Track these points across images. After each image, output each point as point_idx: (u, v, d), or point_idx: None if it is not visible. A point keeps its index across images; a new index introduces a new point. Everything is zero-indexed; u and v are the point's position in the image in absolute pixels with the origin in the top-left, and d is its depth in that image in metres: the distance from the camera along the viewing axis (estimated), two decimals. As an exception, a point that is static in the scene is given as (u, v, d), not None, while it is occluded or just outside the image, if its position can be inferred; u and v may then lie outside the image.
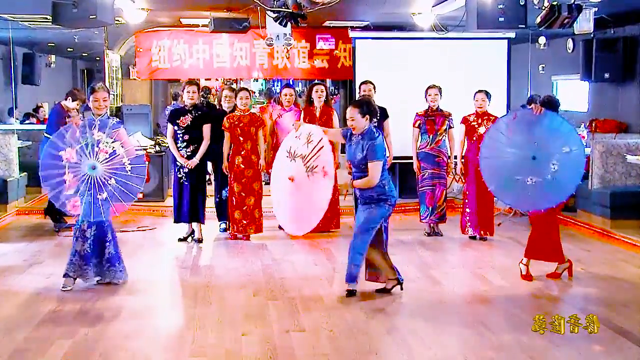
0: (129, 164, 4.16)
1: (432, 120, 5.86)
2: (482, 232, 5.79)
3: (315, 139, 3.80)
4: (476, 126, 5.74)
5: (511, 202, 4.88)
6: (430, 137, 5.84)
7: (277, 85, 12.76)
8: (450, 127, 5.88)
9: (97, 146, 4.16)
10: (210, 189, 6.34)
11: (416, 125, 5.89)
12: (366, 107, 3.99)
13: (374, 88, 5.97)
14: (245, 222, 5.76)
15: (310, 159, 3.75)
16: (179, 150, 5.61)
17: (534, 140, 4.38)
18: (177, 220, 5.74)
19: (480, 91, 5.77)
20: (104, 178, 4.18)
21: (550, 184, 4.28)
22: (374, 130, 3.95)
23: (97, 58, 10.27)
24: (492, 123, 5.55)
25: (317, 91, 5.96)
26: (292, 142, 4.07)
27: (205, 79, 11.00)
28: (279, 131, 6.19)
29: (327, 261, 5.12)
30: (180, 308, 4.13)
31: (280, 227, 6.08)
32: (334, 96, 9.90)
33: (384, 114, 5.91)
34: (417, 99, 6.08)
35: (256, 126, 5.77)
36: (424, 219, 5.96)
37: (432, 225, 6.02)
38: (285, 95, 6.17)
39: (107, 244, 4.33)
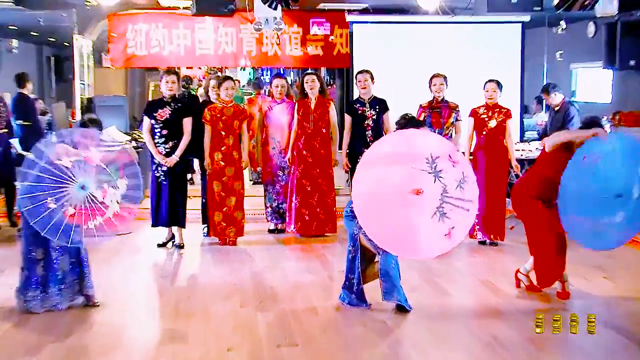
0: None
1: (437, 113, 5.89)
2: (492, 237, 5.82)
3: (468, 194, 3.65)
4: (486, 119, 5.77)
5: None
6: (436, 131, 5.88)
7: (267, 75, 12.76)
8: (457, 120, 5.90)
9: (107, 186, 3.89)
10: (193, 189, 6.36)
11: (420, 118, 5.90)
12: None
13: (372, 78, 6.01)
14: (224, 224, 5.78)
15: (450, 203, 3.59)
16: (156, 147, 5.62)
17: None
18: (155, 224, 5.76)
19: (490, 81, 5.80)
20: (81, 204, 3.86)
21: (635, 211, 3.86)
22: None
23: (66, 44, 10.20)
24: (504, 116, 5.69)
25: (307, 82, 5.98)
26: (443, 155, 3.69)
27: (187, 68, 11.00)
28: (269, 125, 6.24)
29: (322, 268, 5.13)
30: (159, 321, 4.13)
31: (270, 231, 6.21)
32: (329, 86, 9.89)
33: (383, 106, 6.01)
34: (421, 89, 6.10)
35: (240, 120, 5.77)
36: None
37: None
38: (276, 86, 6.20)
39: (82, 263, 4.14)
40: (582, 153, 4.06)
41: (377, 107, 5.98)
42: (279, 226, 6.32)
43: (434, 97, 5.94)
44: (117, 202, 3.94)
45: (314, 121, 6.03)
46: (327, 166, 5.97)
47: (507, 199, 5.68)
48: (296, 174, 6.06)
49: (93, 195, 3.90)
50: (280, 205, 6.28)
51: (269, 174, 6.31)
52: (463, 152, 5.92)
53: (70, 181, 3.88)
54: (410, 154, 3.71)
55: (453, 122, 5.91)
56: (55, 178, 3.82)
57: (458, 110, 5.94)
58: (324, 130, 6.05)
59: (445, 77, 5.92)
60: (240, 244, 5.86)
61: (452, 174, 3.70)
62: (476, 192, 3.80)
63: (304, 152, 6.06)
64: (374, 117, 5.95)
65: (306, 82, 6.00)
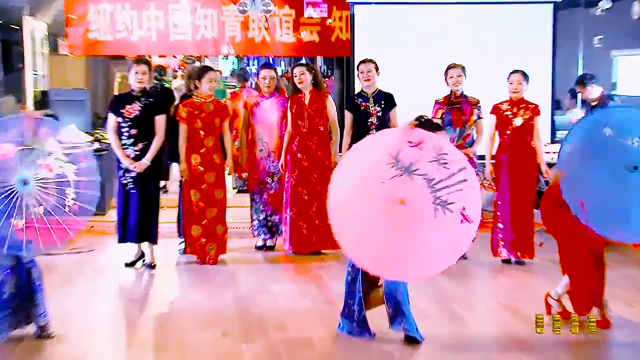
0: (76, 175, 3.91)
1: (457, 109, 5.95)
2: (518, 254, 5.86)
3: (454, 166, 3.58)
4: (510, 116, 5.82)
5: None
6: (457, 131, 5.93)
7: (253, 65, 12.84)
8: (479, 118, 5.99)
9: (44, 158, 3.91)
10: (167, 199, 6.45)
11: (437, 115, 5.97)
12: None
13: (377, 68, 6.06)
14: (203, 240, 5.82)
15: (444, 188, 3.53)
16: (124, 149, 5.65)
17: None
18: (122, 239, 5.79)
19: (515, 72, 5.84)
20: (37, 198, 3.88)
21: None
22: None
23: (15, 27, 10.12)
24: (531, 112, 5.74)
25: (296, 75, 6.05)
26: (402, 146, 3.65)
27: (160, 56, 10.94)
28: (255, 123, 6.29)
29: (318, 292, 5.15)
30: (127, 355, 4.10)
31: (258, 248, 6.31)
32: (327, 78, 9.95)
33: (390, 101, 6.05)
34: (433, 82, 6.16)
35: (221, 117, 5.84)
36: None
37: None
38: (264, 78, 6.25)
39: (34, 286, 4.11)
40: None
41: (383, 102, 6.02)
42: (268, 242, 6.37)
43: (451, 92, 5.99)
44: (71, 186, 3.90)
45: (309, 118, 6.07)
46: (325, 170, 5.88)
47: (535, 210, 5.72)
48: (290, 182, 6.09)
49: (42, 186, 3.85)
50: (269, 218, 6.32)
51: (255, 180, 6.34)
52: (483, 155, 6.12)
53: (8, 181, 3.84)
54: (373, 168, 3.65)
55: (475, 120, 5.98)
56: None
57: (479, 107, 6.00)
58: (321, 129, 6.11)
59: (463, 68, 5.98)
60: (222, 263, 5.89)
61: (424, 159, 3.62)
62: (461, 155, 3.75)
63: (299, 155, 6.09)
64: (379, 113, 6.00)
65: (295, 76, 6.07)
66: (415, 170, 3.56)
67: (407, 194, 3.53)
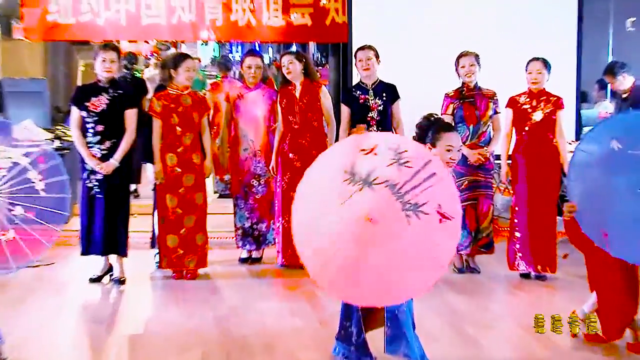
0: (40, 179, 3.95)
1: (471, 104, 5.97)
2: (539, 268, 5.86)
3: (417, 162, 3.56)
4: (529, 110, 5.83)
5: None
6: (471, 128, 5.95)
7: (237, 52, 12.78)
8: (496, 113, 6.03)
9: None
10: (139, 204, 6.45)
11: (448, 111, 6.00)
12: None
13: (378, 56, 6.06)
14: (181, 251, 5.84)
15: (411, 190, 3.51)
16: (89, 148, 5.65)
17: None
18: (87, 251, 5.77)
19: (535, 59, 5.84)
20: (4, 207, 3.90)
21: None
22: None
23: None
24: (552, 106, 5.78)
25: (284, 64, 6.07)
26: (355, 156, 3.64)
27: (130, 42, 10.96)
28: (239, 119, 6.30)
29: (311, 311, 5.15)
30: (93, 382, 4.14)
31: (242, 260, 6.34)
32: (321, 67, 9.96)
33: (392, 93, 6.07)
34: (443, 74, 6.16)
35: (201, 111, 5.86)
36: (462, 248, 6.02)
37: (466, 258, 6.11)
38: (249, 67, 6.26)
39: None
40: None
41: (384, 94, 6.04)
42: (254, 254, 6.38)
43: (463, 83, 6.01)
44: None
45: (301, 113, 6.09)
46: None
47: (558, 217, 5.73)
48: (281, 186, 6.10)
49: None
50: (255, 226, 6.33)
51: (239, 183, 6.34)
52: (498, 155, 6.15)
53: None
54: (329, 189, 3.62)
55: (491, 115, 5.99)
56: None
57: (496, 100, 6.01)
58: (314, 124, 6.13)
59: (476, 56, 5.99)
60: (202, 278, 5.90)
61: (381, 164, 3.59)
62: (423, 148, 3.76)
63: (290, 155, 6.10)
64: (380, 107, 6.01)
65: (283, 66, 6.09)
66: (374, 180, 3.54)
67: (372, 209, 3.50)
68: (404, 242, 3.48)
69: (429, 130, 3.96)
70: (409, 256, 3.50)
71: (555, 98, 5.84)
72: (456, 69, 6.00)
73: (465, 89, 5.99)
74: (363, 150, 3.60)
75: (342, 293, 3.69)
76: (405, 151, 3.56)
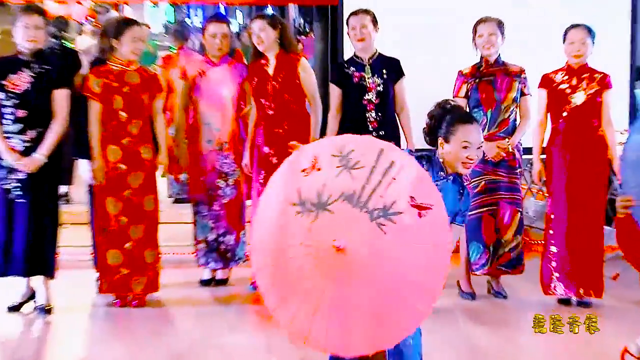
0: None
1: (489, 83, 5.97)
2: (581, 292, 5.81)
3: (368, 157, 3.59)
4: (568, 91, 5.80)
5: None
6: (489, 114, 5.93)
7: (197, 17, 13.12)
8: (523, 95, 6.03)
9: None
10: (71, 212, 6.37)
11: (461, 93, 6.01)
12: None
13: (376, 23, 6.04)
14: (126, 271, 5.79)
15: (372, 194, 3.54)
16: (6, 139, 5.60)
17: None
18: (4, 271, 5.68)
19: (575, 26, 5.81)
20: None
21: None
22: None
23: None
24: (598, 85, 5.75)
25: (254, 32, 6.09)
26: (295, 184, 3.72)
27: (58, 2, 10.84)
28: (200, 102, 6.25)
29: (290, 347, 5.07)
30: None
31: (204, 282, 6.33)
32: (303, 36, 9.96)
33: (395, 70, 6.06)
34: (457, 44, 6.23)
35: (151, 92, 5.86)
36: (477, 267, 6.06)
37: (488, 279, 6.12)
38: (213, 36, 6.23)
39: None
40: None
41: (385, 71, 6.01)
42: (219, 274, 6.35)
43: (482, 58, 6.01)
44: None
45: (276, 94, 6.06)
46: None
47: (606, 227, 5.73)
48: (257, 188, 6.10)
49: None
50: (221, 239, 6.29)
51: (201, 185, 6.30)
52: (524, 148, 6.13)
53: None
54: (282, 230, 3.61)
55: (516, 97, 5.98)
56: None
57: (524, 78, 6.02)
58: (294, 107, 6.11)
59: (499, 23, 6.00)
60: (152, 306, 5.83)
61: (329, 178, 3.59)
62: (368, 139, 3.74)
63: (265, 148, 6.10)
64: (380, 87, 5.97)
65: (253, 33, 6.08)
66: (328, 199, 3.53)
67: (337, 235, 3.45)
68: (386, 259, 3.44)
69: (443, 121, 3.93)
70: (398, 274, 3.46)
71: (601, 75, 5.78)
72: (473, 39, 6.00)
73: (483, 64, 6.00)
74: (303, 170, 3.62)
75: (323, 345, 3.63)
76: (352, 151, 3.56)
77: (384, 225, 3.42)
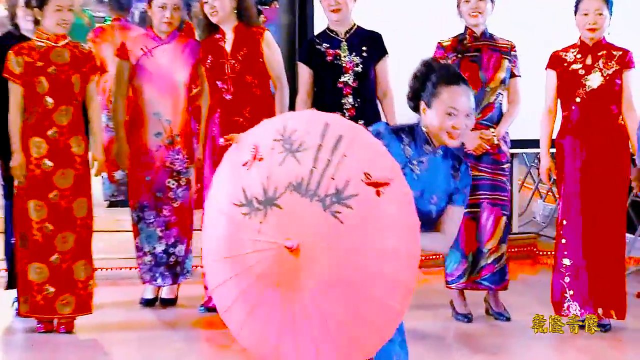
0: None
1: (473, 60, 5.85)
2: (599, 312, 5.62)
3: (312, 137, 3.54)
4: (582, 72, 5.59)
5: None
6: (472, 96, 5.72)
7: None
8: (513, 76, 5.90)
9: None
10: None
11: None
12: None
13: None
14: (51, 289, 5.54)
15: (322, 178, 3.50)
16: None
17: None
18: None
19: None
20: None
21: None
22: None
23: None
24: (617, 64, 5.58)
25: (206, 1, 5.93)
26: (237, 181, 3.73)
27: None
28: (143, 87, 6.08)
29: None
30: None
31: (146, 302, 6.15)
32: (266, 6, 9.91)
33: (376, 47, 5.94)
34: (440, 16, 6.22)
35: (84, 73, 5.65)
36: (452, 280, 5.94)
37: (485, 296, 6.01)
38: (163, 7, 6.04)
39: None
40: None
41: (364, 48, 5.86)
42: (165, 292, 6.16)
43: (466, 30, 5.87)
44: None
45: (235, 75, 5.92)
46: None
47: (628, 235, 5.92)
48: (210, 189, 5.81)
49: None
50: (171, 250, 6.11)
51: (146, 186, 6.11)
52: (529, 141, 6.30)
53: None
54: (231, 238, 3.63)
55: (505, 79, 5.83)
56: None
57: (515, 55, 5.90)
58: (256, 92, 5.97)
59: None
60: (83, 331, 5.60)
61: (272, 168, 3.59)
62: (311, 113, 3.79)
63: (221, 141, 5.77)
64: (358, 68, 5.83)
65: (205, 2, 5.90)
66: (275, 193, 3.55)
67: (289, 233, 3.46)
68: (346, 252, 3.43)
69: (427, 81, 3.85)
70: (362, 268, 3.44)
71: (621, 52, 5.56)
72: (458, 6, 5.87)
73: (468, 37, 5.85)
74: (245, 164, 3.64)
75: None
76: (294, 131, 3.57)
77: (339, 213, 3.39)
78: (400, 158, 3.76)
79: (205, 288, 5.95)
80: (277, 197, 3.45)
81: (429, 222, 3.86)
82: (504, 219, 5.89)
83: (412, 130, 3.84)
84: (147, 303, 6.06)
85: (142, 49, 6.01)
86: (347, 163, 3.37)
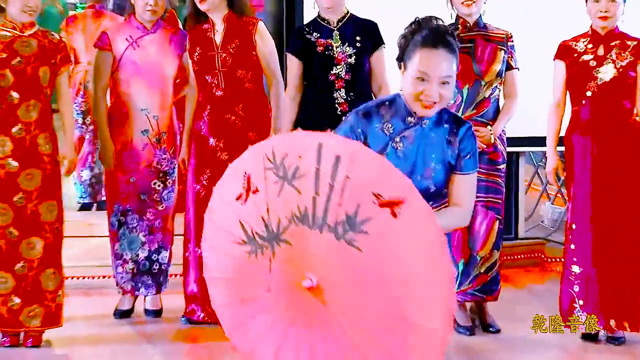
0: None
1: (466, 51, 5.74)
2: (612, 324, 5.55)
3: (308, 161, 3.49)
4: (593, 64, 5.55)
5: None
6: (465, 91, 5.79)
7: None
8: (511, 69, 5.86)
9: None
10: None
11: None
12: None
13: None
14: (17, 300, 5.48)
15: (328, 206, 3.47)
16: None
17: None
18: None
19: None
20: None
21: None
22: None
23: None
24: (632, 56, 5.53)
25: None
26: (235, 217, 3.74)
27: None
28: (131, 81, 6.00)
29: None
30: None
31: (121, 314, 6.07)
32: None
33: (371, 36, 5.90)
34: (441, 2, 5.99)
35: (55, 65, 5.57)
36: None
37: (472, 306, 5.95)
38: None
39: None
40: None
41: (359, 38, 5.80)
42: (149, 302, 6.06)
43: (458, 19, 5.83)
44: None
45: (226, 69, 5.86)
46: None
47: None
48: (195, 190, 5.95)
49: None
50: (154, 256, 6.04)
51: (131, 188, 6.05)
52: (533, 138, 6.46)
53: None
54: (237, 280, 3.71)
55: (501, 71, 5.76)
56: None
57: (511, 46, 5.85)
58: (249, 87, 5.92)
59: None
60: (53, 345, 5.52)
61: (271, 202, 3.59)
62: (298, 136, 3.78)
63: (211, 140, 5.91)
64: (351, 59, 5.77)
65: None
66: (279, 228, 3.55)
67: (304, 269, 3.46)
68: (371, 283, 3.39)
69: (410, 41, 3.84)
70: (394, 296, 3.39)
71: (636, 42, 5.48)
72: None
73: (460, 27, 5.78)
74: (239, 198, 3.61)
75: None
76: (285, 156, 3.52)
77: (354, 241, 3.32)
78: (381, 139, 3.78)
79: (187, 298, 5.93)
80: (282, 232, 3.43)
81: (434, 197, 3.86)
82: (498, 223, 5.87)
83: (392, 103, 3.83)
84: (123, 315, 6.00)
85: (127, 39, 5.94)
86: (352, 185, 3.32)
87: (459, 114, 5.63)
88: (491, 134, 5.76)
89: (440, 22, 3.90)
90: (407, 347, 3.40)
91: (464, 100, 5.78)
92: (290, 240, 3.41)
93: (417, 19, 3.84)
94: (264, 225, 3.46)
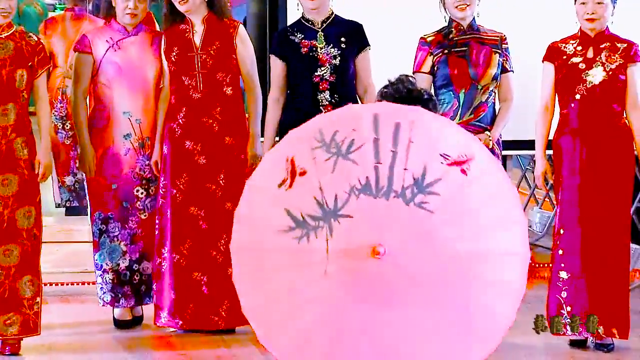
0: None
1: (461, 55, 5.79)
2: (600, 331, 5.57)
3: (361, 133, 3.51)
4: (582, 66, 5.56)
5: None
6: (462, 95, 5.77)
7: None
8: (505, 71, 5.83)
9: None
10: None
11: (424, 68, 5.86)
12: None
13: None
14: None
15: (392, 172, 3.51)
16: None
17: None
18: None
19: None
20: None
21: None
22: None
23: None
24: (622, 58, 5.56)
25: None
26: (274, 201, 3.71)
27: None
28: (114, 84, 6.00)
29: None
30: None
31: (121, 324, 6.04)
32: None
33: (356, 38, 5.92)
34: (428, 3, 6.06)
35: (31, 68, 5.55)
36: None
37: None
38: None
39: None
40: None
41: (343, 39, 5.81)
42: (134, 310, 6.04)
43: (451, 22, 5.78)
44: None
45: (205, 72, 5.85)
46: (238, 173, 5.83)
47: (633, 246, 5.79)
48: (172, 195, 5.93)
49: None
50: (135, 266, 6.04)
51: (112, 195, 6.03)
52: (522, 142, 6.48)
53: None
54: (287, 264, 3.64)
55: (496, 75, 5.74)
56: None
57: (506, 49, 5.84)
58: (227, 91, 5.89)
59: None
60: (31, 353, 5.51)
61: (323, 179, 3.60)
62: (347, 110, 3.76)
63: (187, 143, 5.88)
64: (336, 61, 5.78)
65: None
66: (336, 204, 3.55)
67: (369, 242, 3.44)
68: (444, 247, 3.43)
69: (398, 100, 3.95)
70: (466, 261, 3.45)
71: (626, 45, 5.50)
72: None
73: (454, 30, 5.76)
74: (282, 184, 3.59)
75: None
76: (336, 132, 3.53)
77: (425, 203, 3.37)
78: None
79: (160, 306, 5.94)
80: (340, 207, 3.42)
81: None
82: None
83: None
84: (122, 324, 6.00)
85: (107, 40, 5.93)
86: (416, 149, 3.36)
87: (457, 119, 5.69)
88: (490, 139, 5.74)
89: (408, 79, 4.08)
90: (479, 305, 3.47)
91: (460, 105, 5.78)
92: (352, 213, 3.41)
93: (398, 81, 4.01)
94: (316, 205, 3.45)
